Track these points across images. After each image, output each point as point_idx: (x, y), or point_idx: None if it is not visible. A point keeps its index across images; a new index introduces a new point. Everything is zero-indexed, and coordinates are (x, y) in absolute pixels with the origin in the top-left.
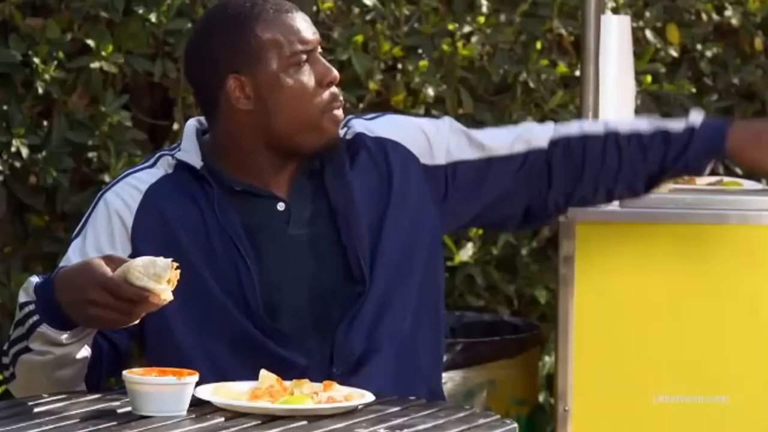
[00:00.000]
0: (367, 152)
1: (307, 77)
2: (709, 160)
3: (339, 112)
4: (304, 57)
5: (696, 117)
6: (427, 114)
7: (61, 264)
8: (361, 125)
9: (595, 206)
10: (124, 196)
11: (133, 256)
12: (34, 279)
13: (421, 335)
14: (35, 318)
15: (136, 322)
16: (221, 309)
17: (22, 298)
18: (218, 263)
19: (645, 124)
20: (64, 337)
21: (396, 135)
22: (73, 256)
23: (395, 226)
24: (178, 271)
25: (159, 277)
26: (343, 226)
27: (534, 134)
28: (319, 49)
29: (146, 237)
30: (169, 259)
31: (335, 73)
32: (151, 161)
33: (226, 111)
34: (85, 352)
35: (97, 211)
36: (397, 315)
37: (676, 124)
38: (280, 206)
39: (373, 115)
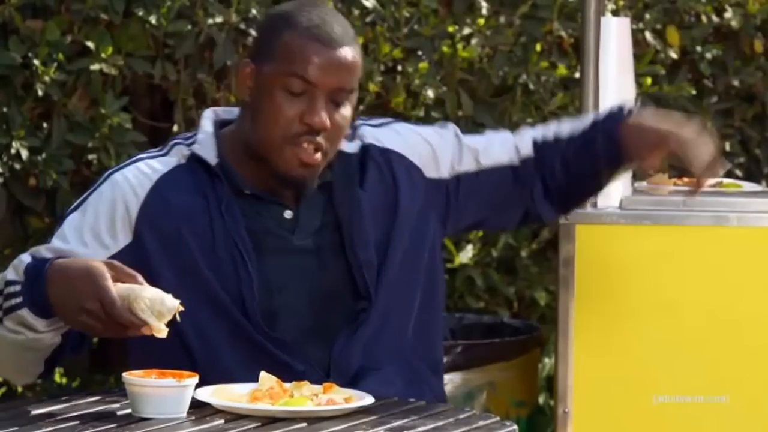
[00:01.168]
0: (375, 165)
1: (294, 105)
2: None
3: (306, 153)
4: (301, 88)
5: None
6: (427, 115)
7: (55, 238)
8: (370, 134)
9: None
10: (133, 181)
11: (133, 245)
12: (26, 258)
13: (422, 347)
14: (18, 300)
15: None
16: (221, 305)
17: (10, 275)
18: (218, 262)
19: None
20: (41, 324)
21: (401, 146)
22: (68, 232)
23: (398, 243)
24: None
25: (162, 316)
26: (348, 240)
27: (524, 141)
28: (329, 98)
29: (151, 227)
30: (177, 302)
31: (322, 119)
32: (165, 149)
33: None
34: (55, 339)
35: (102, 191)
36: (395, 333)
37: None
38: (287, 214)
39: (380, 121)
